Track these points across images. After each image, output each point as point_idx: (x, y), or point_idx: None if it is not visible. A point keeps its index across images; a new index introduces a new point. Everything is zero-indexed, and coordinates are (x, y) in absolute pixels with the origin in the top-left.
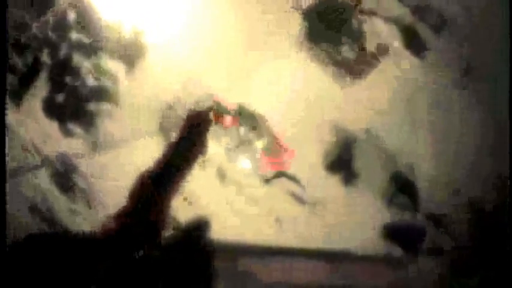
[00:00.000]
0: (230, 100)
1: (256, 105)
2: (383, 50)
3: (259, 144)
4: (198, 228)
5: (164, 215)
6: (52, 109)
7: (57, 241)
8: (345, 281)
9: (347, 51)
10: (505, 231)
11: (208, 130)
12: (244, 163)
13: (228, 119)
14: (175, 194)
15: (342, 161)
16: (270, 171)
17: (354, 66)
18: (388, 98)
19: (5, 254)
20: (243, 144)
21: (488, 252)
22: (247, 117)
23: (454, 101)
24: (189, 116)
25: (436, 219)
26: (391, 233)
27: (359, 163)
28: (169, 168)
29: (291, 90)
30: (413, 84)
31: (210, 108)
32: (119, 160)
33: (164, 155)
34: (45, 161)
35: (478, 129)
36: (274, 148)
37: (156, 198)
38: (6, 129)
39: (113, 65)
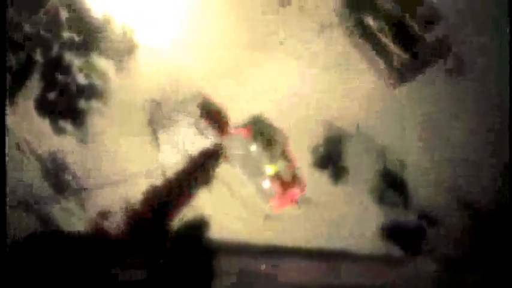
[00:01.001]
0: (219, 98)
1: (249, 104)
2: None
3: (272, 169)
4: (197, 228)
5: (165, 232)
6: (44, 107)
7: (56, 242)
8: (334, 279)
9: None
10: (500, 228)
11: (217, 166)
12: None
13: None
14: (177, 215)
15: (331, 158)
16: (275, 205)
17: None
18: (378, 93)
19: (5, 253)
20: (250, 162)
21: (484, 250)
22: (261, 131)
23: (445, 96)
24: (203, 152)
25: (428, 217)
26: (388, 232)
27: (349, 159)
28: (175, 194)
29: (284, 90)
30: (403, 79)
31: (220, 149)
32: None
33: (172, 181)
34: (54, 197)
35: (471, 124)
36: (287, 177)
37: (158, 218)
38: (6, 130)
39: (103, 63)
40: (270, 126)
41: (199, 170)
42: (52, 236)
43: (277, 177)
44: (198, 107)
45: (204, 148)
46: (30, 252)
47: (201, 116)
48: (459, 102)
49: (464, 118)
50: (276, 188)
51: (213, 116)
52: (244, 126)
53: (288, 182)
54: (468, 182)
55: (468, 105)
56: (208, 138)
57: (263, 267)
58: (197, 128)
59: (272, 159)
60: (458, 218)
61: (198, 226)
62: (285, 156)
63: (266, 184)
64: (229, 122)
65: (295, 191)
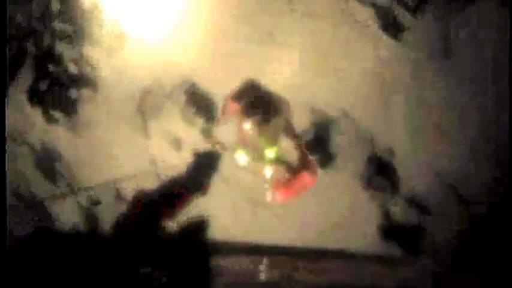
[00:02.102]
0: (206, 86)
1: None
2: None
3: (272, 151)
4: (197, 227)
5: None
6: (36, 97)
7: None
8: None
9: None
10: (494, 217)
11: (213, 173)
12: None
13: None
14: (170, 218)
15: (319, 144)
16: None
17: None
18: (365, 80)
19: (6, 251)
20: (246, 145)
21: (476, 241)
22: (255, 102)
23: (433, 81)
24: (198, 154)
25: (418, 203)
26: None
27: (336, 145)
28: (168, 198)
29: (271, 76)
30: (390, 65)
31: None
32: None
33: (164, 186)
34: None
35: (461, 110)
36: (293, 160)
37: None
38: (6, 129)
39: (94, 53)
40: (267, 93)
41: (195, 177)
42: (50, 233)
43: (280, 161)
44: (184, 94)
45: (201, 153)
46: (30, 249)
47: (188, 102)
48: (449, 88)
49: (454, 104)
50: (281, 174)
51: (200, 102)
52: (234, 99)
53: (295, 166)
54: (459, 168)
55: (458, 92)
56: (196, 125)
57: (262, 267)
58: (185, 115)
59: (273, 138)
60: (449, 204)
61: (198, 225)
62: (289, 132)
63: (268, 172)
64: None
65: (306, 177)
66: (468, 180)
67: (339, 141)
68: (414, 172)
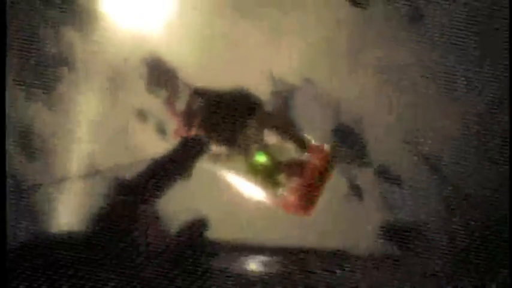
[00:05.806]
0: (173, 62)
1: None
2: None
3: (262, 156)
4: (194, 227)
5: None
6: (19, 77)
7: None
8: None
9: None
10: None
11: (199, 157)
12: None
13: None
14: (149, 206)
15: (281, 114)
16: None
17: None
18: (328, 45)
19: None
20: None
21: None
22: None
23: (401, 47)
24: (183, 139)
25: (388, 172)
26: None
27: (300, 115)
28: (147, 184)
29: (233, 46)
30: (356, 29)
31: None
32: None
33: (145, 171)
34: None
35: (432, 77)
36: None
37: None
38: (6, 126)
39: (71, 34)
40: (225, 95)
41: (178, 162)
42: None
43: (278, 161)
44: (149, 68)
45: (185, 139)
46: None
47: (152, 77)
48: (417, 52)
49: (426, 71)
50: (287, 178)
51: (164, 76)
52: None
53: (297, 159)
54: (430, 136)
55: (427, 55)
56: (159, 98)
57: (260, 266)
58: (149, 89)
59: (256, 142)
60: (420, 173)
61: (198, 226)
62: (272, 125)
63: (265, 179)
64: (182, 83)
65: (315, 163)
66: (444, 151)
67: (302, 110)
68: (385, 142)
